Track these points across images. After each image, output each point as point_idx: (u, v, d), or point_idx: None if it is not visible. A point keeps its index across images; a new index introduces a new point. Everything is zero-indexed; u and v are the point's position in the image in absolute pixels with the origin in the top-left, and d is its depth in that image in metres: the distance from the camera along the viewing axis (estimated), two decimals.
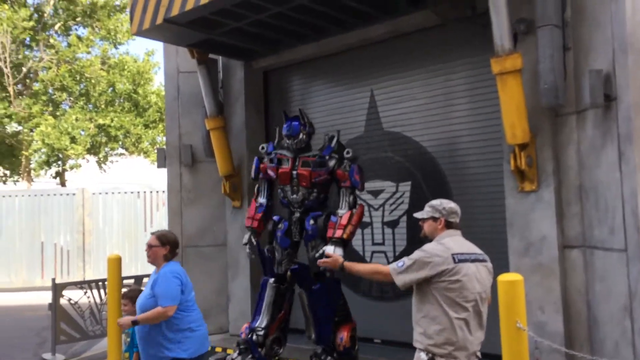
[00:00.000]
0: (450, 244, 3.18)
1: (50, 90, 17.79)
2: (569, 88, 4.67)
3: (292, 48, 6.81)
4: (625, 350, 4.09)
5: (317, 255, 4.93)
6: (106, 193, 14.88)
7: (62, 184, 18.86)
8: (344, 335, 5.05)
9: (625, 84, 4.04)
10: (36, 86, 17.80)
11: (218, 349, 6.43)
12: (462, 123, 5.70)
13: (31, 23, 16.84)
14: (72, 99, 18.17)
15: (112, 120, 17.50)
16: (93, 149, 18.01)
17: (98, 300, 7.49)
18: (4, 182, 18.82)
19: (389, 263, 6.21)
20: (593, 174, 4.53)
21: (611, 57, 4.24)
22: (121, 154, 19.56)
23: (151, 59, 18.83)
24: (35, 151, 17.19)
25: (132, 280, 7.48)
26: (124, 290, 5.67)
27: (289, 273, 5.24)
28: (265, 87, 7.48)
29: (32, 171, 18.28)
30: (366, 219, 6.42)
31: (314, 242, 5.10)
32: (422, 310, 3.15)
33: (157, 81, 22.16)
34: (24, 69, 17.41)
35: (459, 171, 5.74)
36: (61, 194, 15.12)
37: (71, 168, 18.11)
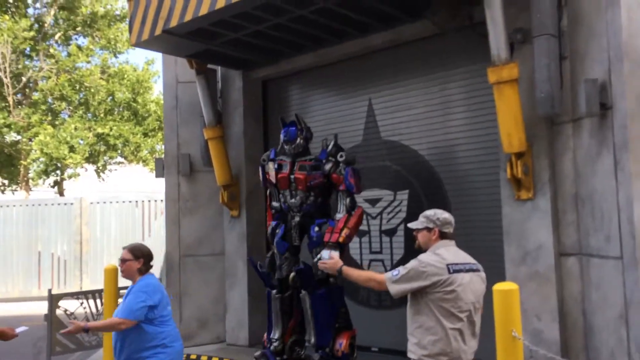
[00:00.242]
0: (445, 254, 3.20)
1: (49, 100, 17.84)
2: (565, 97, 4.71)
3: (291, 58, 6.85)
4: (621, 359, 4.09)
5: (314, 260, 4.97)
6: (104, 202, 14.88)
7: (61, 193, 18.86)
8: (343, 342, 5.10)
9: (621, 92, 4.08)
10: (35, 95, 17.85)
11: None
12: (460, 132, 5.74)
13: (31, 33, 16.92)
14: (71, 108, 18.22)
15: (111, 129, 17.53)
16: (92, 158, 18.03)
17: (94, 310, 7.46)
18: (2, 192, 18.82)
19: (386, 271, 6.22)
20: (589, 182, 4.55)
21: (607, 66, 4.28)
22: (120, 163, 19.57)
23: (151, 67, 18.91)
24: (33, 160, 17.21)
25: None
26: (120, 300, 5.66)
27: (292, 275, 5.27)
28: (264, 97, 7.52)
29: (30, 180, 18.29)
30: (364, 227, 6.44)
31: (319, 249, 5.14)
32: (417, 321, 3.16)
33: (157, 90, 22.22)
34: (24, 79, 17.47)
35: (457, 179, 5.77)
36: (59, 204, 15.11)
37: (69, 177, 18.11)
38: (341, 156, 5.18)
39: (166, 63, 7.62)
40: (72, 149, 16.84)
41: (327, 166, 5.20)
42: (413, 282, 3.03)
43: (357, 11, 5.57)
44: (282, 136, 5.39)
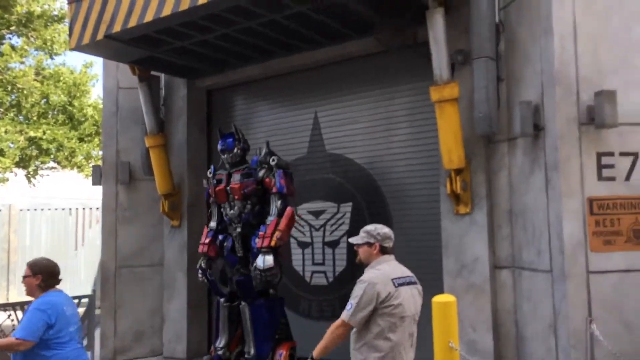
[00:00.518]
0: (387, 269, 3.26)
1: None
2: (502, 117, 4.94)
3: (237, 68, 6.84)
4: None
5: (252, 269, 5.00)
6: (35, 209, 14.23)
7: None
8: (283, 352, 5.12)
9: (552, 115, 4.33)
10: None
11: None
12: (402, 147, 5.89)
13: None
14: (2, 110, 17.34)
15: (44, 133, 16.79)
16: (22, 162, 17.20)
17: None
18: None
19: (328, 282, 6.29)
20: (522, 199, 4.78)
21: (540, 90, 4.53)
22: (53, 168, 18.78)
23: (89, 70, 18.29)
24: None
25: None
26: None
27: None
28: (208, 106, 7.45)
29: None
30: (307, 239, 6.48)
31: None
32: (363, 338, 3.20)
33: (95, 94, 21.58)
34: None
35: (399, 193, 5.91)
36: None
37: None
38: (273, 160, 5.27)
39: (107, 68, 7.42)
40: (1, 152, 16.02)
41: (261, 172, 5.32)
42: (369, 306, 3.07)
43: (305, 26, 5.64)
44: (219, 146, 5.53)
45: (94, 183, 7.43)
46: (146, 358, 6.95)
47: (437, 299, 3.74)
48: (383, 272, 3.17)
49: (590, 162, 4.24)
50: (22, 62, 17.23)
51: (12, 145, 16.45)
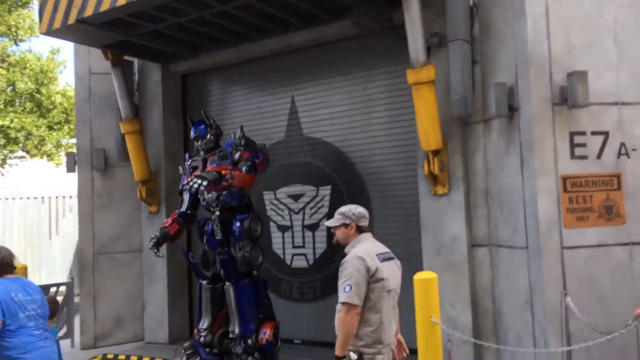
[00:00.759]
0: (368, 246, 3.30)
1: None
2: (477, 99, 5.03)
3: (212, 52, 6.79)
4: (527, 341, 4.46)
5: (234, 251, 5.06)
6: (6, 199, 13.93)
7: None
8: (267, 330, 5.23)
9: (526, 96, 4.43)
10: None
11: None
12: (380, 130, 5.95)
13: None
14: None
15: (11, 121, 16.39)
16: None
17: None
18: None
19: (308, 265, 6.36)
20: (498, 179, 4.90)
21: (514, 71, 4.62)
22: (21, 157, 18.36)
23: (56, 57, 17.85)
24: None
25: None
26: None
27: (219, 267, 5.34)
28: (183, 91, 7.40)
29: None
30: (286, 222, 6.53)
31: (242, 244, 5.26)
32: None
33: (63, 81, 21.06)
34: None
35: (377, 175, 5.98)
36: None
37: None
38: (246, 141, 5.39)
39: (78, 53, 7.28)
40: None
41: (237, 155, 5.36)
42: (363, 282, 3.06)
43: (279, 8, 5.63)
44: (192, 133, 5.57)
45: (69, 170, 7.32)
46: (128, 344, 6.94)
47: (419, 276, 3.84)
48: (366, 249, 3.21)
49: (564, 142, 4.36)
50: None
51: None
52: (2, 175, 17.89)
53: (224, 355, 5.46)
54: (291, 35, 6.22)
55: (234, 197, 5.31)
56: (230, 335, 5.28)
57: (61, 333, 6.68)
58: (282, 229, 6.55)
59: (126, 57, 6.82)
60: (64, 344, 6.31)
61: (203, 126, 5.54)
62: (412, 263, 4.97)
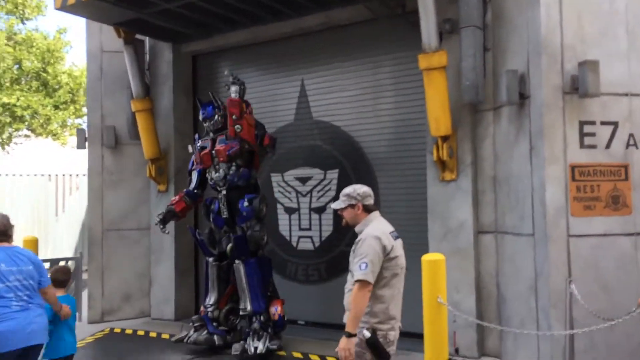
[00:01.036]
0: (380, 224, 3.33)
1: None
2: (488, 86, 5.05)
3: (223, 33, 6.81)
4: (530, 326, 4.52)
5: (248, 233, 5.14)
6: (13, 174, 14.00)
7: None
8: (278, 307, 5.38)
9: (538, 84, 4.45)
10: None
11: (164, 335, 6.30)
12: (389, 115, 5.98)
13: None
14: None
15: (18, 100, 16.41)
16: None
17: None
18: None
19: (314, 247, 6.42)
20: (507, 166, 4.94)
21: (526, 59, 4.64)
22: (27, 136, 18.40)
23: (63, 36, 17.82)
24: None
25: (47, 264, 7.17)
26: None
27: (229, 246, 5.44)
28: (194, 71, 7.42)
29: None
30: (293, 204, 6.59)
31: (250, 223, 5.37)
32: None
33: (69, 61, 20.99)
34: None
35: (385, 160, 6.02)
36: None
37: None
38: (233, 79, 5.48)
39: (90, 31, 7.30)
40: None
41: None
42: (378, 261, 3.08)
43: None
44: (200, 115, 5.69)
45: (79, 147, 7.37)
46: (134, 319, 7.04)
47: (427, 257, 3.91)
48: (380, 227, 3.24)
49: (573, 131, 4.39)
50: None
51: None
52: (8, 153, 17.96)
53: (230, 331, 5.57)
54: (304, 18, 6.23)
55: (242, 176, 5.42)
56: (241, 313, 5.38)
57: None
58: (289, 211, 6.61)
59: (138, 36, 6.84)
60: None
61: (211, 107, 5.65)
62: (418, 248, 5.02)
